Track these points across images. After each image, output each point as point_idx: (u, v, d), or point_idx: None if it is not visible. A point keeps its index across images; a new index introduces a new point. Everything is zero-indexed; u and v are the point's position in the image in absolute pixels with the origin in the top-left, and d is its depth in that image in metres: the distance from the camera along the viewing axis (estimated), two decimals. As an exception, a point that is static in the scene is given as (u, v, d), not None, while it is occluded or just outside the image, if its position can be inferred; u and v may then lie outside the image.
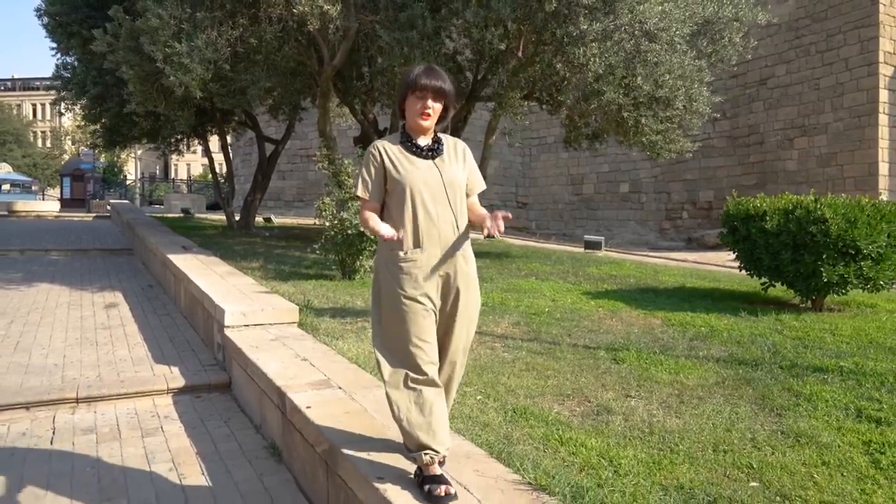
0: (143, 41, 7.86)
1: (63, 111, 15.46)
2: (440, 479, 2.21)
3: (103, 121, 13.22)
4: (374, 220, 2.33)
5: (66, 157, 49.13)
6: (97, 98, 12.25)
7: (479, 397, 3.40)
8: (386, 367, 2.33)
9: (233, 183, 14.96)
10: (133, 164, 44.97)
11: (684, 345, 4.66)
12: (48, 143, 58.57)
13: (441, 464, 2.29)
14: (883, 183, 13.40)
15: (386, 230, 2.22)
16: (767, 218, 5.89)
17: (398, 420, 2.29)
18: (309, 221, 14.92)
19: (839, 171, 13.98)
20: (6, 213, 21.59)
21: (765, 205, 6.08)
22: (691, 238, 15.99)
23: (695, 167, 16.87)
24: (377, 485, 2.29)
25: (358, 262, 7.20)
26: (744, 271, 6.61)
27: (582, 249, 12.18)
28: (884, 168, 13.45)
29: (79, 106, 13.84)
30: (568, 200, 20.75)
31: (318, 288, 6.51)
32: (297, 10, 7.40)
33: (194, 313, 5.95)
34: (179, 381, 4.40)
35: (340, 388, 3.36)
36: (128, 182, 39.13)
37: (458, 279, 2.35)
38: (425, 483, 2.21)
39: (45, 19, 11.94)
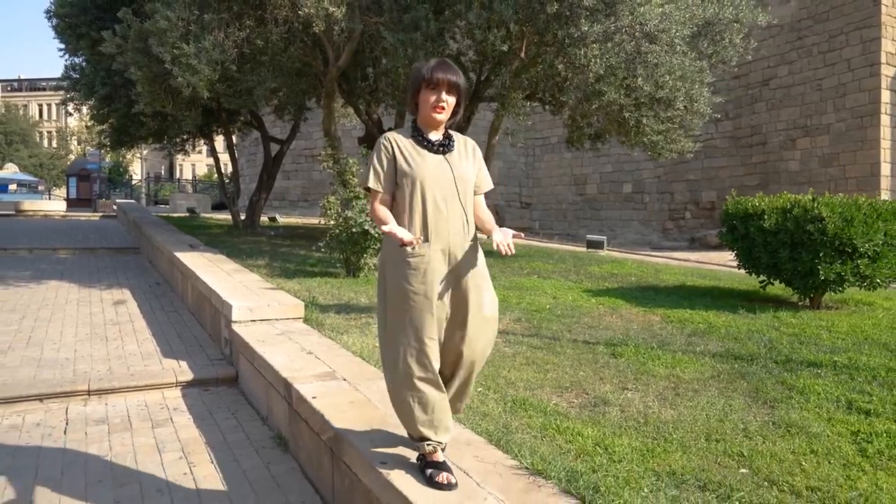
0: (152, 43, 7.99)
1: (71, 111, 15.63)
2: (442, 466, 2.29)
3: (111, 121, 13.37)
4: (390, 220, 2.26)
5: (72, 157, 49.40)
6: (105, 98, 12.40)
7: (479, 389, 3.49)
8: (389, 363, 2.35)
9: (238, 183, 15.10)
10: (139, 164, 45.20)
11: (682, 340, 4.75)
12: (54, 144, 58.93)
13: (443, 450, 2.36)
14: (885, 183, 13.44)
15: (404, 234, 2.16)
16: (765, 217, 5.97)
17: (401, 416, 2.36)
18: (313, 221, 15.04)
19: (841, 172, 14.02)
20: (14, 212, 21.76)
21: (763, 204, 6.16)
22: (694, 238, 16.05)
23: (697, 167, 16.92)
24: (381, 470, 2.37)
25: (362, 260, 7.31)
26: (743, 270, 6.69)
27: (584, 249, 12.25)
28: (886, 168, 13.49)
29: (87, 106, 13.99)
30: (571, 200, 20.80)
31: (322, 285, 6.61)
32: (302, 12, 7.52)
33: (201, 309, 6.05)
34: (188, 375, 4.51)
35: (345, 379, 3.46)
36: (133, 182, 39.33)
37: (468, 277, 2.32)
38: (427, 468, 2.30)
39: (55, 21, 12.11)
